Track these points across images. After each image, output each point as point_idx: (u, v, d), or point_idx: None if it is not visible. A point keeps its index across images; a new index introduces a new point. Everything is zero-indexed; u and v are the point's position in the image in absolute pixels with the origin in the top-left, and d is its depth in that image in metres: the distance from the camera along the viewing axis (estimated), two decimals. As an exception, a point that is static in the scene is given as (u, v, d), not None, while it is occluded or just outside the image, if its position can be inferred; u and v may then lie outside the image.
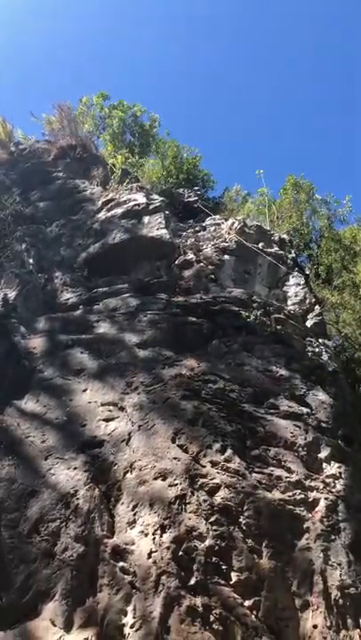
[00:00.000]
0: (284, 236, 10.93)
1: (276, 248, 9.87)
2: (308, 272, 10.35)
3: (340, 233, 18.52)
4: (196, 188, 14.51)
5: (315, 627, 3.82)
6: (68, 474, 4.57)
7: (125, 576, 3.83)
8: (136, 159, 13.88)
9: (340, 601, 4.00)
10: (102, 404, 5.37)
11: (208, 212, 11.66)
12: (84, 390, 5.62)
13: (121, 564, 3.92)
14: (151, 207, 9.46)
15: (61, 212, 9.95)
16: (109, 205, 9.80)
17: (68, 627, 3.57)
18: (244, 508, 4.34)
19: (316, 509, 4.58)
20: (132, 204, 9.56)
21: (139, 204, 9.51)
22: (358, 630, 3.86)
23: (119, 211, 9.48)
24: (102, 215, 9.61)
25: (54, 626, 3.56)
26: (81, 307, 7.49)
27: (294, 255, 10.30)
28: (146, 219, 9.27)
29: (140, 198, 9.72)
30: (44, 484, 4.51)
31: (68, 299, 7.72)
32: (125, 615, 3.63)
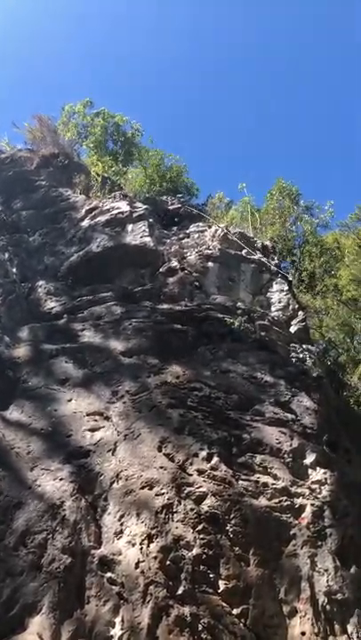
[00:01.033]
0: (268, 243, 11.01)
1: (260, 255, 9.93)
2: (291, 278, 10.40)
3: (323, 238, 18.70)
4: (180, 195, 14.55)
5: (303, 633, 3.83)
6: (54, 485, 4.54)
7: (113, 587, 3.81)
8: (120, 167, 13.91)
9: (328, 607, 4.02)
10: (88, 414, 5.35)
11: (192, 218, 11.70)
12: (70, 400, 5.60)
13: (108, 574, 3.90)
14: (135, 215, 9.48)
15: (44, 221, 9.92)
16: (93, 213, 9.80)
17: (55, 640, 3.54)
18: (231, 515, 4.35)
19: (303, 516, 4.60)
20: (115, 212, 9.57)
21: (122, 212, 9.52)
22: (346, 636, 3.88)
23: (103, 219, 9.48)
24: (86, 223, 9.61)
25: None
26: (65, 315, 7.46)
27: (277, 261, 10.36)
28: (130, 227, 9.29)
29: (124, 206, 9.73)
30: (30, 495, 4.47)
31: (52, 307, 7.69)
32: (114, 627, 3.61)
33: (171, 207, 12.73)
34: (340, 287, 19.60)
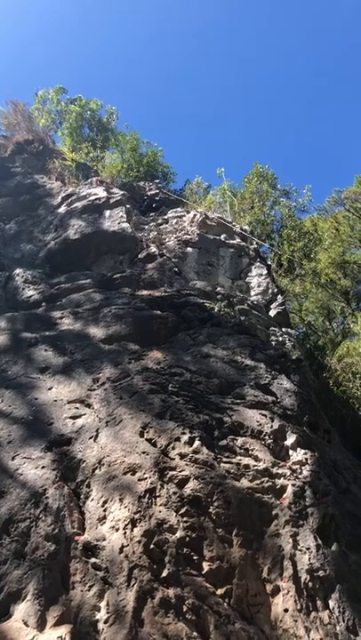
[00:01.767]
0: (246, 228, 11.03)
1: (239, 240, 9.94)
2: (270, 262, 10.45)
3: (301, 222, 18.80)
4: (157, 180, 14.48)
5: (286, 610, 3.89)
6: (36, 473, 4.53)
7: (98, 572, 3.82)
8: (98, 153, 13.77)
9: (310, 584, 4.09)
10: (69, 402, 5.34)
11: (170, 204, 11.65)
12: (50, 388, 5.57)
13: (93, 560, 3.91)
14: (112, 201, 9.42)
15: (20, 208, 9.81)
16: (69, 200, 9.71)
17: (41, 626, 3.54)
18: (214, 498, 4.38)
19: (284, 496, 4.65)
20: (92, 198, 9.49)
21: (99, 198, 9.45)
22: (328, 611, 3.95)
23: (79, 205, 9.40)
24: (62, 210, 9.52)
25: (27, 626, 3.53)
26: (44, 303, 7.41)
27: (256, 246, 10.40)
28: (107, 213, 9.23)
29: (101, 192, 9.66)
30: (12, 484, 4.45)
31: (31, 296, 7.63)
32: (99, 611, 3.63)
33: (148, 193, 12.69)
34: (319, 271, 19.78)
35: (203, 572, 3.93)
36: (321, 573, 4.18)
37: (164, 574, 3.81)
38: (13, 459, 4.67)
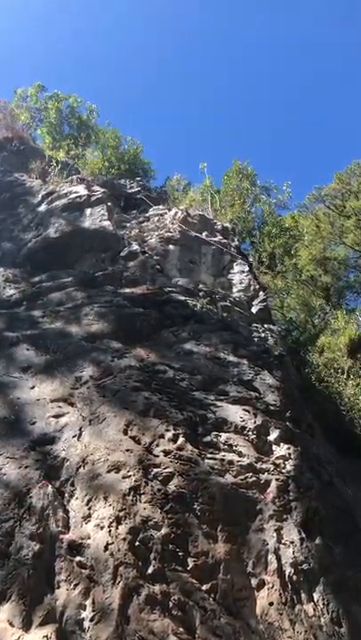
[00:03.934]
0: (228, 225, 11.07)
1: (220, 237, 9.98)
2: (251, 259, 10.51)
3: (282, 219, 18.90)
4: (138, 178, 14.46)
5: (271, 604, 3.92)
6: (19, 472, 4.49)
7: (83, 570, 3.81)
8: (80, 151, 13.71)
9: (294, 577, 4.12)
10: (52, 400, 5.31)
11: (152, 201, 11.64)
12: (33, 387, 5.53)
13: (78, 558, 3.90)
14: (93, 199, 9.38)
15: (0, 207, 9.71)
16: (50, 198, 9.66)
17: (26, 626, 3.53)
18: (198, 494, 4.39)
19: (268, 491, 4.69)
20: (73, 196, 9.45)
21: (80, 196, 9.41)
22: (312, 604, 3.99)
23: (60, 203, 9.36)
24: (43, 208, 9.47)
25: (12, 627, 3.51)
26: (25, 302, 7.35)
27: (238, 243, 10.44)
28: (88, 211, 9.19)
29: (82, 190, 9.62)
30: (-5, 484, 4.42)
31: (12, 295, 7.56)
32: (85, 609, 3.62)
33: (130, 190, 12.66)
34: (300, 267, 19.92)
35: (188, 568, 3.94)
36: (305, 566, 4.22)
37: (150, 571, 3.81)
38: (-4, 459, 4.64)
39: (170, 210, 10.78)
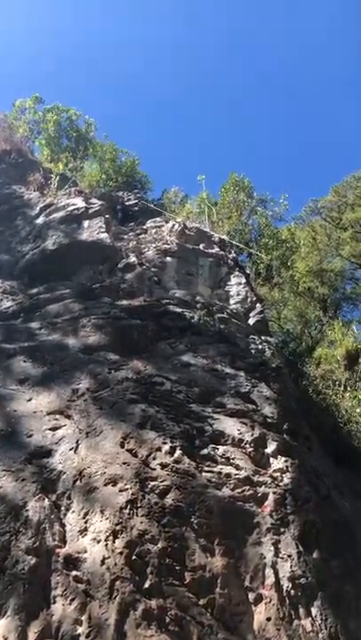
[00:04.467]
0: (225, 237, 11.11)
1: (217, 249, 10.01)
2: (248, 271, 10.54)
3: (279, 231, 18.99)
4: (136, 190, 14.53)
5: (268, 619, 3.89)
6: (16, 486, 4.47)
7: (79, 585, 3.79)
8: (78, 163, 13.78)
9: (292, 592, 4.10)
10: (48, 413, 5.29)
11: (149, 213, 11.69)
12: (30, 399, 5.52)
13: (74, 572, 3.87)
14: (91, 211, 9.42)
15: (-2, 219, 9.74)
16: (48, 210, 9.69)
17: (22, 642, 3.50)
18: (196, 507, 4.37)
19: (266, 504, 4.67)
20: (71, 208, 9.48)
21: (78, 209, 9.44)
22: (310, 619, 3.96)
23: (58, 215, 9.39)
24: (41, 220, 9.49)
25: (8, 642, 3.48)
26: (22, 314, 7.35)
27: (235, 255, 10.47)
28: (86, 223, 9.22)
29: (80, 202, 9.66)
30: (-9, 497, 4.39)
31: (9, 307, 7.56)
32: (81, 625, 3.59)
33: (127, 203, 12.72)
34: (297, 279, 19.99)
35: (185, 583, 3.92)
36: (303, 581, 4.19)
37: (147, 585, 3.79)
38: (-8, 472, 4.61)
39: (167, 222, 10.82)
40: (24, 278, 8.33)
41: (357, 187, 22.55)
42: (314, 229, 22.76)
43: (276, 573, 4.17)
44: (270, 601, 3.99)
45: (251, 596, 4.04)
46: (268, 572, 4.17)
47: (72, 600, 3.67)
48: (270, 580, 4.12)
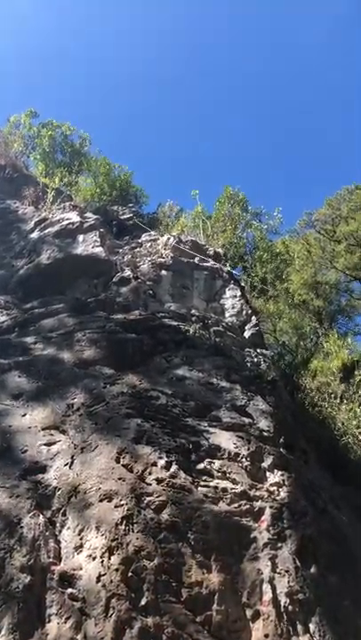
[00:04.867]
0: (219, 250, 11.14)
1: (212, 262, 10.03)
2: (243, 284, 10.56)
3: (273, 244, 19.08)
4: (131, 204, 14.59)
5: (266, 636, 3.85)
6: (10, 502, 4.43)
7: (74, 603, 3.74)
8: (73, 178, 13.84)
9: (290, 607, 4.06)
10: (43, 428, 5.26)
11: (144, 227, 11.72)
12: (24, 415, 5.49)
13: (69, 590, 3.82)
14: (85, 225, 9.44)
15: (-7, 234, 9.75)
16: (43, 225, 9.71)
17: (16, 662, 3.44)
18: (192, 522, 4.34)
19: (262, 518, 4.64)
20: (65, 222, 9.50)
21: (73, 223, 9.47)
22: (308, 635, 3.92)
23: (53, 230, 9.40)
24: (35, 235, 9.51)
25: (2, 663, 3.43)
26: (17, 329, 7.33)
27: (229, 268, 10.50)
28: (80, 237, 9.24)
29: (74, 217, 9.68)
30: (-15, 514, 4.35)
31: (3, 321, 7.55)
32: (76, 644, 3.54)
33: (122, 217, 12.76)
34: (292, 291, 20.05)
35: (182, 599, 3.88)
36: (301, 596, 4.15)
37: (143, 603, 3.75)
38: (-13, 488, 4.57)
39: (162, 236, 10.85)
40: (18, 293, 8.33)
41: (351, 199, 22.69)
42: (308, 242, 22.86)
43: (273, 589, 4.13)
44: (268, 617, 3.95)
45: (248, 613, 4.00)
46: (266, 587, 4.13)
47: (67, 619, 3.63)
48: (268, 595, 4.08)
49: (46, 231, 9.44)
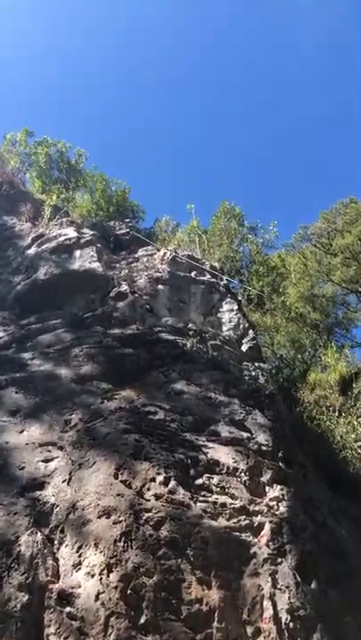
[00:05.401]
0: (216, 264, 11.19)
1: (209, 276, 10.06)
2: (240, 298, 10.58)
3: (269, 258, 19.17)
4: (127, 220, 14.64)
5: (268, 653, 3.81)
6: (8, 520, 4.39)
7: (73, 622, 3.69)
8: (70, 194, 13.92)
9: (291, 624, 4.02)
10: (41, 445, 5.23)
11: (141, 241, 11.77)
12: (22, 431, 5.46)
13: (68, 609, 3.78)
14: (82, 241, 9.47)
15: (-10, 250, 9.77)
16: (40, 241, 9.73)
17: None
18: (191, 538, 4.31)
19: (262, 534, 4.61)
20: (62, 238, 9.53)
21: (69, 239, 9.50)
22: (310, 652, 3.89)
23: (50, 246, 9.43)
24: (32, 251, 9.53)
25: None
26: (14, 345, 7.32)
27: (226, 282, 10.53)
28: (77, 253, 9.27)
29: (71, 233, 9.72)
30: (-18, 532, 4.31)
31: (1, 337, 7.54)
32: (75, 664, 3.49)
33: (118, 232, 12.79)
34: (289, 305, 20.09)
35: (182, 617, 3.83)
36: (302, 612, 4.12)
37: (142, 621, 3.70)
38: (-16, 506, 4.53)
39: (159, 250, 10.89)
40: (15, 309, 8.33)
41: (346, 213, 22.82)
42: (304, 255, 22.94)
43: (274, 605, 4.09)
44: (269, 634, 3.91)
45: (249, 630, 3.96)
46: (267, 604, 4.09)
47: (66, 638, 3.58)
48: (269, 612, 4.04)
49: (43, 247, 9.47)
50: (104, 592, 3.78)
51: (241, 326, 9.27)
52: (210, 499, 4.76)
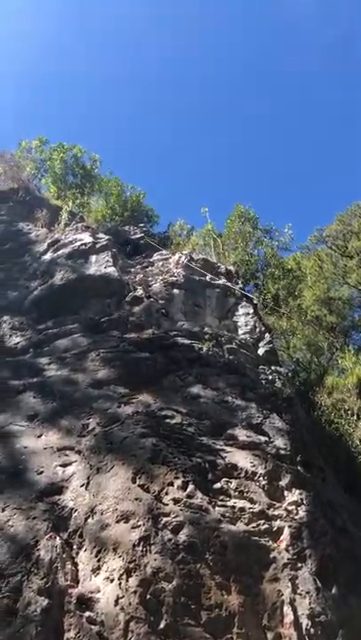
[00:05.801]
0: (231, 268, 11.15)
1: (224, 280, 10.03)
2: (255, 301, 10.52)
3: (284, 260, 19.08)
4: (142, 224, 14.66)
5: (288, 659, 3.78)
6: (27, 524, 4.41)
7: (92, 626, 3.69)
8: (85, 199, 13.98)
9: (312, 630, 3.98)
10: (58, 449, 5.25)
11: (156, 246, 11.79)
12: (39, 436, 5.48)
13: (87, 613, 3.78)
14: (98, 246, 9.50)
15: (6, 256, 9.85)
16: (55, 246, 9.78)
17: None
18: (210, 543, 4.29)
19: (281, 538, 4.57)
20: (78, 243, 9.57)
21: (85, 244, 9.53)
22: (331, 658, 3.84)
23: (65, 251, 9.47)
24: (48, 257, 9.58)
25: None
26: (31, 350, 7.36)
27: (241, 285, 10.49)
28: (93, 257, 9.30)
29: (87, 238, 9.75)
30: (1, 537, 4.32)
31: (18, 343, 7.58)
32: (95, 669, 3.49)
33: (133, 237, 12.81)
34: (305, 308, 19.97)
35: (201, 622, 3.81)
36: (323, 618, 4.07)
37: (162, 626, 3.69)
38: (3, 510, 4.56)
39: (173, 254, 10.89)
40: (32, 314, 8.37)
41: (361, 215, 22.66)
42: (320, 258, 22.79)
43: (294, 611, 4.05)
44: (290, 640, 3.87)
45: (270, 636, 3.93)
46: (287, 609, 4.06)
47: (86, 643, 3.58)
48: (289, 618, 4.01)
49: (59, 252, 9.51)
50: (123, 597, 3.78)
51: (257, 330, 9.22)
52: (228, 503, 4.74)
